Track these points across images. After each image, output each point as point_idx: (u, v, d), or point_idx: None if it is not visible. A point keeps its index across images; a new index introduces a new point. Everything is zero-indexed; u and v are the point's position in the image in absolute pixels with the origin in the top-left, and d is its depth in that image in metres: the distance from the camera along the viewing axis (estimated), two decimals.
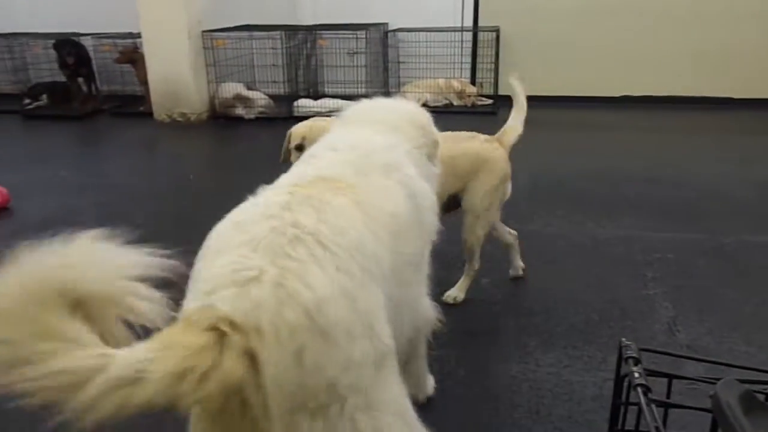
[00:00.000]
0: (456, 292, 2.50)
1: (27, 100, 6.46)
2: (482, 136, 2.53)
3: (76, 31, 6.61)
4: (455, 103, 6.40)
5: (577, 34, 6.41)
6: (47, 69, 6.75)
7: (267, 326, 0.89)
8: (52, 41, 6.35)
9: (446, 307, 2.44)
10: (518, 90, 2.57)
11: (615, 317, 2.38)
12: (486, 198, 2.41)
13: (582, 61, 6.46)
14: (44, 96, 6.49)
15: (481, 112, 6.19)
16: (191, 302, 0.98)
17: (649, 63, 6.32)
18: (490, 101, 6.38)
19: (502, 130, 2.57)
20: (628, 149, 4.83)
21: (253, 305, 0.90)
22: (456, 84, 6.44)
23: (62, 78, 6.49)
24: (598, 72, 6.45)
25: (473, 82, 6.60)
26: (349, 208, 1.14)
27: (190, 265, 1.07)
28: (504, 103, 6.30)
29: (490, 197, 2.41)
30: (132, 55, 6.10)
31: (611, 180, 4.02)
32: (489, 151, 2.43)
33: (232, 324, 0.88)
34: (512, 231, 2.69)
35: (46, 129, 6.00)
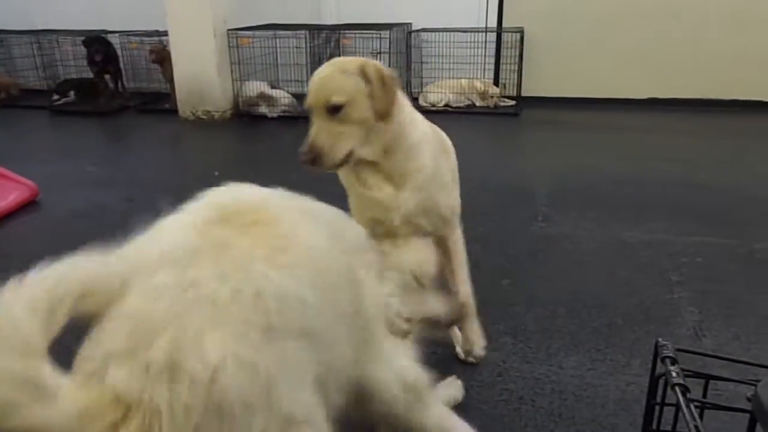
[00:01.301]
0: None
1: (55, 96, 6.58)
2: None
3: (104, 28, 6.72)
4: (478, 104, 6.37)
5: (603, 36, 6.34)
6: (75, 66, 6.88)
7: (164, 407, 0.88)
8: (82, 38, 6.47)
9: None
10: None
11: (639, 321, 2.34)
12: None
13: (607, 62, 6.38)
14: (72, 92, 6.60)
15: (503, 113, 6.16)
16: (86, 361, 0.94)
17: (678, 65, 6.22)
18: (512, 102, 6.34)
19: None
20: (656, 152, 4.76)
21: (147, 383, 0.88)
22: (479, 84, 6.41)
23: (90, 75, 6.61)
24: (623, 74, 6.37)
25: (496, 83, 6.56)
26: (254, 253, 1.07)
27: None
28: (527, 104, 6.30)
29: None
30: (162, 54, 6.18)
31: (639, 183, 3.96)
32: None
33: (129, 404, 0.88)
34: None
35: (73, 124, 6.11)
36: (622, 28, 6.28)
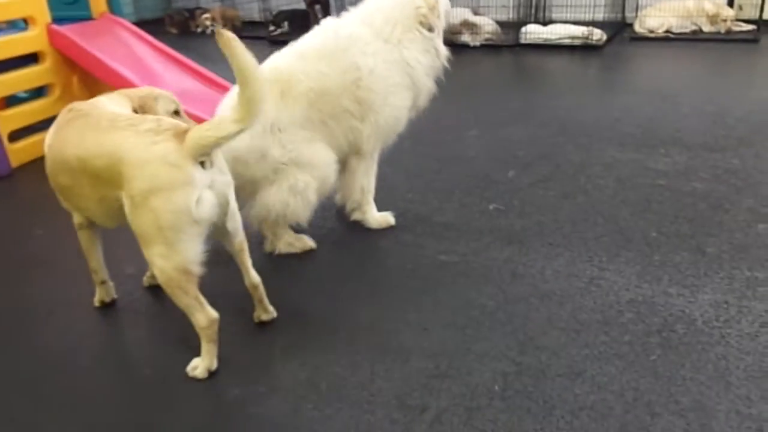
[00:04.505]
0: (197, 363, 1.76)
1: (272, 27, 7.10)
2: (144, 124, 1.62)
3: None
4: (705, 29, 5.65)
5: None
6: None
7: None
8: None
9: None
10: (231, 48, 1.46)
11: None
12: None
13: None
14: (286, 23, 7.07)
15: (738, 40, 5.38)
16: None
17: None
18: (751, 27, 5.51)
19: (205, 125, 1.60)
20: None
21: None
22: (709, 6, 5.65)
23: (301, 6, 7.00)
24: None
25: (731, 4, 5.73)
26: None
27: None
28: None
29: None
30: None
31: None
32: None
33: None
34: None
35: None
36: None
